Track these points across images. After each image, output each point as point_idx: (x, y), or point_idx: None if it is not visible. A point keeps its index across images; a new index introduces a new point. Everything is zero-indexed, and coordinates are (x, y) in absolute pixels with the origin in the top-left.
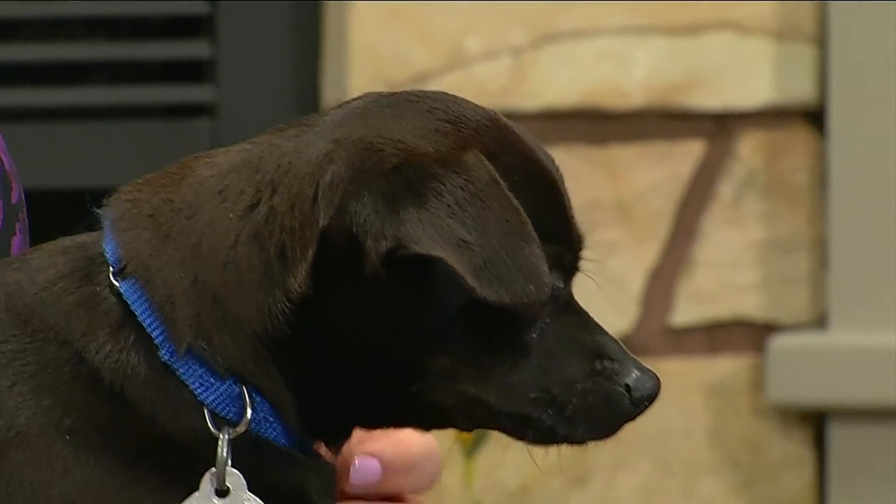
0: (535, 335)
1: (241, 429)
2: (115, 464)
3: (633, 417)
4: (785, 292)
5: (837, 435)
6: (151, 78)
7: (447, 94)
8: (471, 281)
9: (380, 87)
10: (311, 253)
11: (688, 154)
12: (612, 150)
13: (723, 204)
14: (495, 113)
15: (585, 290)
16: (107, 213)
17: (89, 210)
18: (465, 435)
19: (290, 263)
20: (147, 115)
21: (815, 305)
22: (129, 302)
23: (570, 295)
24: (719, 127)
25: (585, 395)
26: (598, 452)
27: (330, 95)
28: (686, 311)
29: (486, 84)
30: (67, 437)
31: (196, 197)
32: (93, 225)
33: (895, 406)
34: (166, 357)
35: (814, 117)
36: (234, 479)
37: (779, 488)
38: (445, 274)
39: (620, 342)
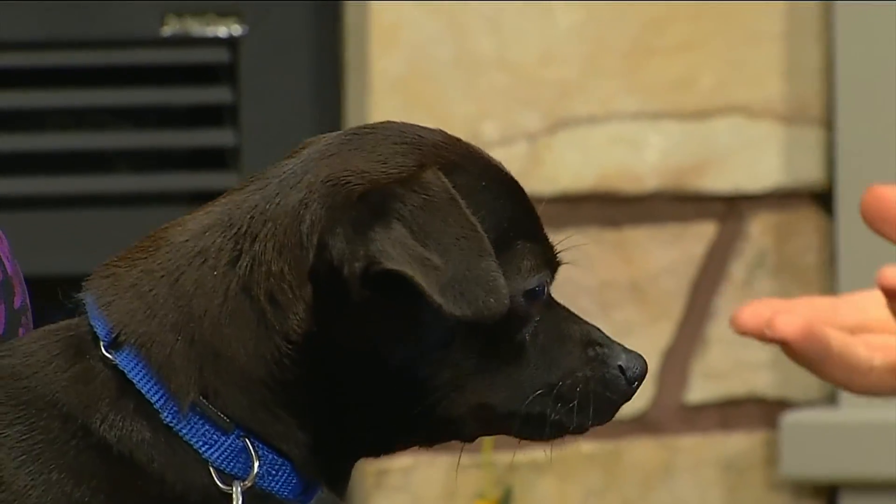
0: (529, 334)
1: (248, 483)
2: None
3: (629, 398)
4: (796, 370)
5: None
6: (177, 165)
7: (395, 121)
8: (437, 298)
9: None
10: (307, 293)
11: (700, 235)
12: (626, 232)
13: (735, 284)
14: (445, 132)
15: None
16: (87, 293)
17: (64, 298)
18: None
19: (283, 308)
20: (172, 201)
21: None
22: (125, 371)
23: (549, 292)
24: (730, 209)
25: (587, 383)
26: None
27: None
28: (700, 389)
29: None
30: None
31: (175, 262)
32: (72, 311)
33: None
34: (168, 419)
35: (822, 198)
36: None
37: None
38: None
39: (601, 329)
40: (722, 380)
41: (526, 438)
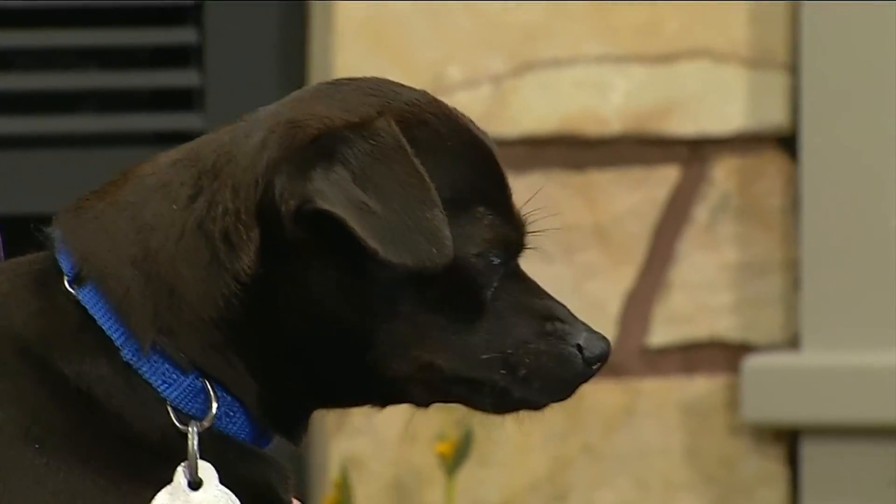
0: (485, 299)
1: (206, 423)
2: (85, 471)
3: (586, 379)
4: (758, 313)
5: (810, 452)
6: (142, 106)
7: (381, 78)
8: (372, 243)
9: None
10: (255, 234)
11: (663, 179)
12: (590, 175)
13: (698, 228)
14: (429, 94)
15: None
16: (56, 228)
17: (35, 233)
18: (447, 452)
19: (235, 247)
20: (137, 142)
21: (788, 326)
22: (87, 307)
23: (518, 266)
24: (694, 153)
25: (538, 356)
26: (578, 470)
27: None
28: (662, 333)
29: (467, 111)
30: (37, 445)
31: (138, 195)
32: (42, 247)
33: (866, 424)
34: (128, 357)
35: (786, 142)
36: (207, 471)
37: None
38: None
39: (569, 309)
40: (684, 323)
41: (477, 407)
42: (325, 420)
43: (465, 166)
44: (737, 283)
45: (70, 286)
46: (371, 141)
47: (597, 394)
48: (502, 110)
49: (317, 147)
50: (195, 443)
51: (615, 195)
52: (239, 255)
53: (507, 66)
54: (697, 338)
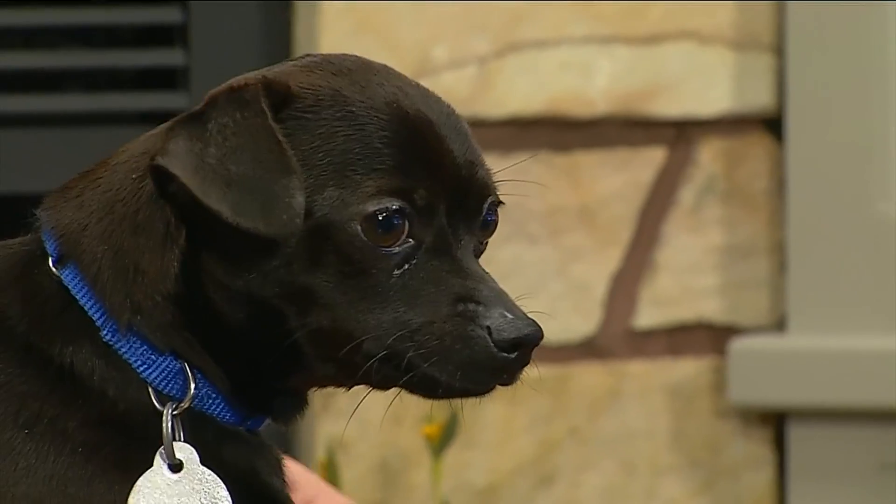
0: (393, 274)
1: (185, 404)
2: (74, 457)
3: (510, 365)
4: (744, 296)
5: (797, 435)
6: (126, 86)
7: (345, 54)
8: (215, 205)
9: None
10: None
11: (649, 161)
12: (576, 156)
13: (683, 210)
14: (373, 64)
15: (550, 294)
16: (43, 210)
17: (25, 215)
18: (433, 435)
19: (181, 218)
20: (121, 122)
21: (774, 308)
22: (69, 287)
23: (454, 245)
24: (679, 134)
25: (442, 337)
26: (564, 453)
27: None
28: (648, 315)
29: (453, 92)
30: (26, 431)
31: (110, 171)
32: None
33: (852, 407)
34: (108, 337)
35: (772, 125)
36: (187, 453)
37: (740, 487)
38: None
39: (505, 293)
40: (670, 305)
41: (411, 391)
42: (311, 402)
43: (358, 139)
44: (723, 265)
45: (54, 267)
46: (235, 108)
47: (582, 376)
48: (488, 91)
49: (194, 113)
50: (168, 426)
51: (601, 177)
52: (183, 226)
53: (493, 47)
54: (683, 320)
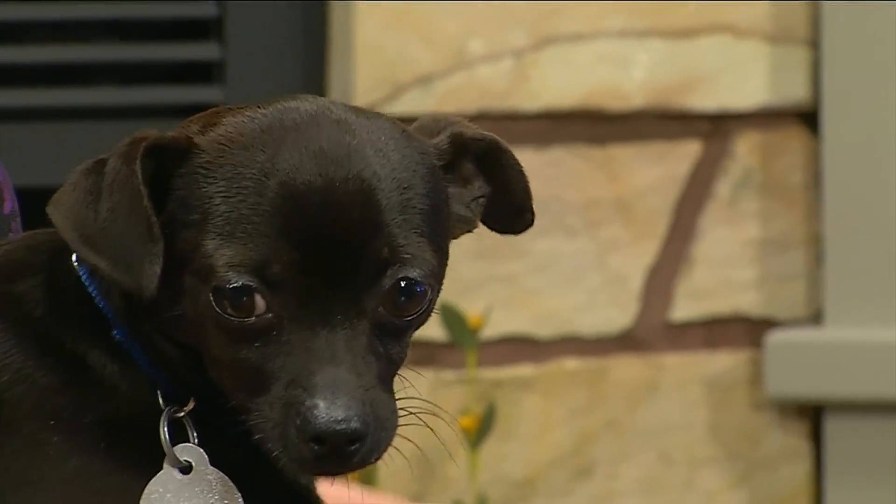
0: (255, 346)
1: (189, 406)
2: (97, 452)
3: (317, 456)
4: (781, 289)
5: (834, 427)
6: (161, 79)
7: (314, 106)
8: (90, 259)
9: (385, 88)
10: None
11: (685, 154)
12: (612, 150)
13: (720, 203)
14: (313, 120)
15: (587, 286)
16: None
17: None
18: (471, 427)
19: None
20: (156, 115)
21: (810, 301)
22: (85, 284)
23: (314, 319)
24: (716, 128)
25: (268, 419)
26: (601, 445)
27: (336, 95)
28: (685, 308)
29: (489, 85)
30: (52, 422)
31: None
32: None
33: (890, 399)
34: (118, 337)
35: (808, 118)
36: (196, 455)
37: (777, 480)
38: None
39: (349, 378)
40: (707, 298)
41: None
42: None
43: (238, 202)
44: (759, 258)
45: (76, 262)
46: (122, 163)
47: (619, 368)
48: (523, 84)
49: (98, 161)
50: (165, 430)
51: (637, 170)
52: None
53: (529, 40)
54: (720, 313)
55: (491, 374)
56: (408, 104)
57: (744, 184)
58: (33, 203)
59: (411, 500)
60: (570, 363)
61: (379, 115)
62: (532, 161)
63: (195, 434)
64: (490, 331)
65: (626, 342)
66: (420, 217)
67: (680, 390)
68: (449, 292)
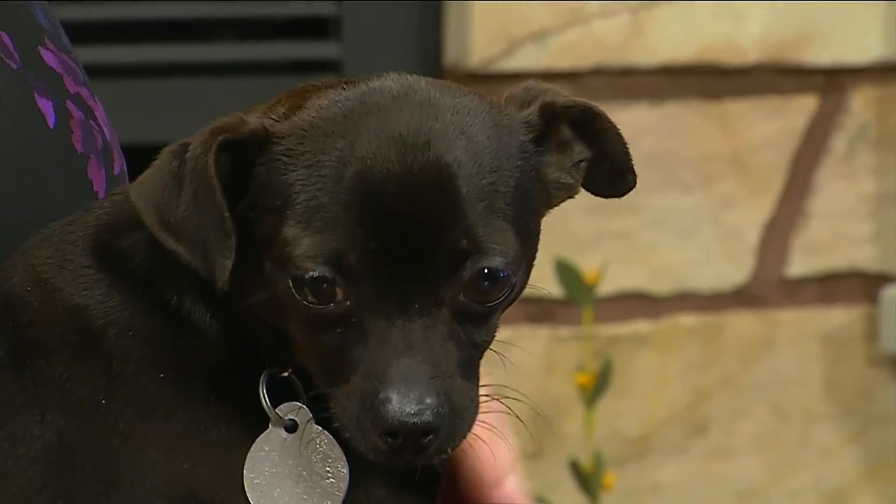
0: (336, 333)
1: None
2: (205, 404)
3: (389, 449)
4: None
5: None
6: (279, 35)
7: (398, 85)
8: (171, 246)
9: (500, 44)
10: None
11: (801, 109)
12: (727, 104)
13: (835, 157)
14: (395, 103)
15: (703, 242)
16: None
17: None
18: (587, 384)
19: None
20: (274, 70)
21: None
22: None
23: (391, 308)
24: (832, 82)
25: (346, 408)
26: (716, 401)
27: (452, 52)
28: (800, 263)
29: (604, 41)
30: (161, 375)
31: None
32: None
33: None
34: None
35: None
36: (302, 413)
37: (892, 434)
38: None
39: (421, 371)
40: (822, 254)
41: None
42: None
43: (317, 190)
44: (875, 213)
45: None
46: (195, 152)
47: (735, 324)
48: (639, 39)
49: (182, 144)
50: (264, 389)
51: (752, 124)
52: None
53: None
54: (836, 268)
55: (607, 330)
56: (522, 60)
57: (859, 138)
58: (149, 161)
59: (527, 457)
60: (686, 319)
61: (467, 93)
62: (647, 116)
63: (304, 393)
64: (606, 287)
65: (741, 298)
66: (505, 200)
67: (795, 346)
68: (565, 248)
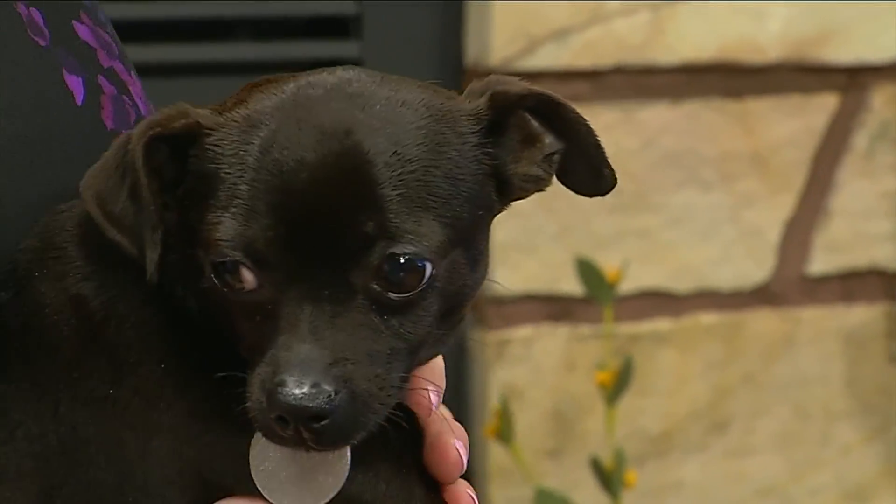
0: (256, 319)
1: None
2: (207, 393)
3: (281, 428)
4: None
5: None
6: (299, 34)
7: (335, 78)
8: (114, 237)
9: (520, 42)
10: None
11: (822, 107)
12: (748, 103)
13: (856, 155)
14: (324, 95)
15: (724, 240)
16: None
17: None
18: (607, 381)
19: None
20: (294, 69)
21: None
22: None
23: (302, 294)
24: (852, 80)
25: (251, 392)
26: (737, 399)
27: (473, 50)
28: (821, 261)
29: (625, 39)
30: (162, 365)
31: None
32: None
33: None
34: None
35: None
36: None
37: None
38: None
39: (312, 356)
40: (843, 252)
41: None
42: (485, 349)
43: (235, 178)
44: None
45: None
46: (133, 147)
47: (756, 322)
48: (660, 37)
49: (125, 138)
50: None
51: (773, 123)
52: None
53: None
54: (857, 266)
55: (627, 328)
56: (543, 59)
57: (880, 136)
58: None
59: (548, 455)
60: (707, 317)
61: (410, 86)
62: (668, 115)
63: None
64: (627, 285)
65: (762, 296)
66: (429, 190)
67: (816, 344)
68: (586, 247)
